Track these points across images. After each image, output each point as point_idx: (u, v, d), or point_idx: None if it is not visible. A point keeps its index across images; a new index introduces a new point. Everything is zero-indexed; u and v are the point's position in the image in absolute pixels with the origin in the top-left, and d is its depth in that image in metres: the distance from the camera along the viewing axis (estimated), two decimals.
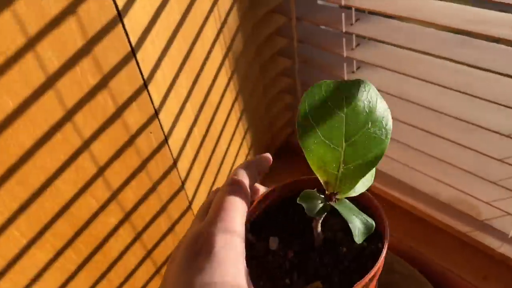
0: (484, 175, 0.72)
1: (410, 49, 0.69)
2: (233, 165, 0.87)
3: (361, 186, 0.26)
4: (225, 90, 0.79)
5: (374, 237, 0.26)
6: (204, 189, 0.77)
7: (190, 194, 0.73)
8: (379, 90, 0.85)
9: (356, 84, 0.25)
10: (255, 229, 0.30)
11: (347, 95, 0.24)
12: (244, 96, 0.87)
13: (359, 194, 0.26)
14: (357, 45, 0.79)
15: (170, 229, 0.73)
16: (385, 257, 0.26)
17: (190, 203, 0.74)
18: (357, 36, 0.76)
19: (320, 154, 0.24)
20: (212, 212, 0.26)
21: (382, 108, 0.26)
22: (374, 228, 0.25)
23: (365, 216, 0.25)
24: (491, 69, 0.61)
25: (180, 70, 0.64)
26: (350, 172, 0.24)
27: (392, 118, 0.89)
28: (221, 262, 0.24)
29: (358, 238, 0.24)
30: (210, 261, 0.24)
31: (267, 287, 0.28)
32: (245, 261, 0.26)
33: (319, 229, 0.28)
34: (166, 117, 0.63)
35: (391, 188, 0.89)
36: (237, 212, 0.26)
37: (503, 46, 0.64)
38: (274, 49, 0.91)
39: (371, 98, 0.25)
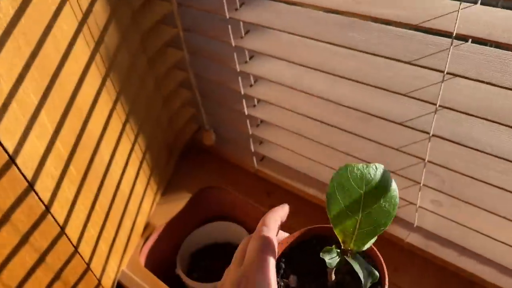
0: (384, 164, 0.68)
1: (300, 35, 0.62)
2: (122, 175, 0.76)
3: (369, 243, 0.33)
4: (99, 91, 0.68)
5: (376, 283, 0.33)
6: (81, 209, 0.66)
7: (60, 218, 0.62)
8: (271, 81, 0.76)
9: (375, 168, 0.33)
10: (277, 267, 0.36)
11: (366, 177, 0.32)
12: (129, 95, 0.76)
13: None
14: (247, 32, 0.71)
15: (41, 259, 0.62)
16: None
17: (63, 228, 0.63)
18: (245, 22, 0.68)
19: (341, 219, 0.32)
20: (249, 258, 0.33)
21: (393, 188, 0.32)
22: (378, 278, 0.32)
23: (371, 268, 0.32)
24: (382, 54, 0.56)
25: (25, 73, 0.53)
26: (363, 235, 0.32)
27: (287, 109, 0.79)
28: None
29: (365, 285, 0.31)
30: None
31: None
32: None
33: (333, 274, 0.35)
34: (7, 133, 0.51)
35: (298, 181, 0.84)
36: (270, 258, 0.32)
37: (394, 29, 0.58)
38: (161, 40, 0.81)
39: (385, 180, 0.32)
